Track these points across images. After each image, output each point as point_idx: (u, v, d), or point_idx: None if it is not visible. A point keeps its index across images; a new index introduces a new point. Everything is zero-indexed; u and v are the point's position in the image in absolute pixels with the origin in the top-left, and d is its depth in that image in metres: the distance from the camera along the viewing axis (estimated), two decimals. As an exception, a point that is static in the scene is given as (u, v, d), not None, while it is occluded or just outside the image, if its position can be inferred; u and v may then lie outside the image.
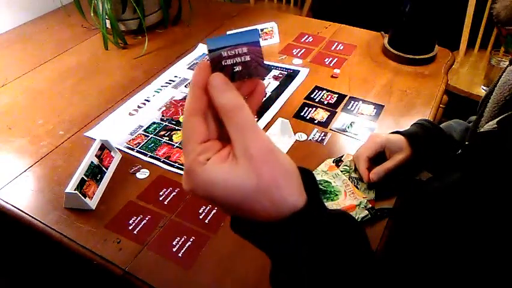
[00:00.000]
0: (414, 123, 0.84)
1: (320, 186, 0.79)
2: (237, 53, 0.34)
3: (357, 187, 0.78)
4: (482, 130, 0.61)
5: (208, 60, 0.34)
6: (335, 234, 0.38)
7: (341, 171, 0.81)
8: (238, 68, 0.34)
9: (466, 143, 0.67)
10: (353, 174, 0.80)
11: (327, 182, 0.80)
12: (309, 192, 0.36)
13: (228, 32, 0.32)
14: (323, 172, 0.82)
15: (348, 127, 0.95)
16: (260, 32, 1.28)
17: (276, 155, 0.34)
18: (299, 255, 0.35)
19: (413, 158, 0.78)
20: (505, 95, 0.65)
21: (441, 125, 0.87)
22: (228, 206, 0.35)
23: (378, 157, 0.79)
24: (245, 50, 0.34)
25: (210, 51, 0.33)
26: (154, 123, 0.98)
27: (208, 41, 0.33)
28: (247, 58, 0.34)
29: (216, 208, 0.76)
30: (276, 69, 1.16)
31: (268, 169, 0.33)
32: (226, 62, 0.34)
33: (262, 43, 1.28)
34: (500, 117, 0.59)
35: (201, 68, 0.35)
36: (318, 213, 0.37)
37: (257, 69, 0.35)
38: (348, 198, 0.76)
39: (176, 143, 0.92)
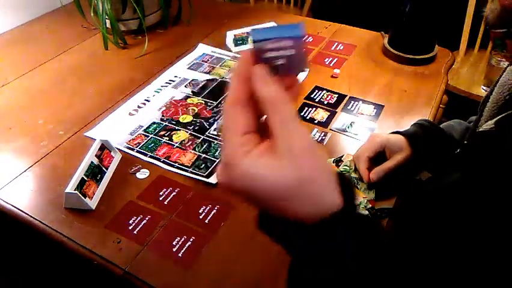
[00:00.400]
0: (414, 124, 0.84)
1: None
2: (281, 46, 0.32)
3: (357, 187, 0.78)
4: (480, 130, 0.61)
5: (252, 50, 0.33)
6: (371, 230, 0.38)
7: (341, 171, 0.81)
8: (281, 62, 0.33)
9: (465, 142, 0.68)
10: (353, 174, 0.80)
11: (327, 182, 0.80)
12: (344, 191, 0.36)
13: (270, 24, 0.31)
14: (323, 172, 0.82)
15: (348, 127, 0.95)
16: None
17: (317, 151, 0.34)
18: (347, 252, 0.35)
19: (413, 158, 0.78)
20: (505, 94, 0.65)
21: (441, 125, 0.87)
22: (265, 201, 0.34)
23: (378, 157, 0.79)
24: (290, 43, 0.32)
25: (254, 41, 0.32)
26: (154, 123, 0.98)
27: (252, 31, 0.33)
28: (292, 52, 0.33)
29: (216, 208, 0.76)
30: (276, 69, 1.16)
31: (311, 165, 0.33)
32: (269, 54, 0.33)
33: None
34: (497, 118, 0.60)
35: (243, 58, 0.34)
36: (356, 210, 0.37)
37: (299, 64, 0.34)
38: (348, 198, 0.76)
39: (176, 143, 0.92)
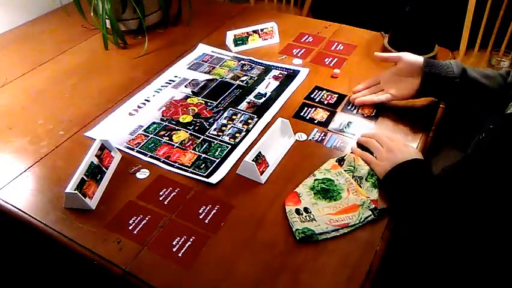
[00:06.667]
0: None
1: (323, 185, 0.79)
2: None
3: (360, 186, 0.78)
4: (507, 112, 0.59)
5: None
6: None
7: (345, 171, 0.81)
8: None
9: (491, 127, 0.66)
10: (356, 174, 0.80)
11: (330, 180, 0.80)
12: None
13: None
14: (326, 171, 0.82)
15: (346, 127, 0.94)
16: (260, 32, 1.28)
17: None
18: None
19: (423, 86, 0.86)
20: None
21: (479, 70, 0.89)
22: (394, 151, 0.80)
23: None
24: None
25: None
26: (154, 123, 0.98)
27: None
28: None
29: (216, 208, 0.76)
30: (276, 69, 1.16)
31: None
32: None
33: (262, 43, 1.28)
34: None
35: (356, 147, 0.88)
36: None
37: None
38: (351, 196, 0.76)
39: (176, 143, 0.92)
